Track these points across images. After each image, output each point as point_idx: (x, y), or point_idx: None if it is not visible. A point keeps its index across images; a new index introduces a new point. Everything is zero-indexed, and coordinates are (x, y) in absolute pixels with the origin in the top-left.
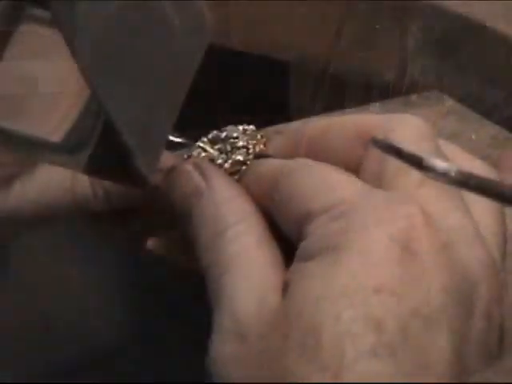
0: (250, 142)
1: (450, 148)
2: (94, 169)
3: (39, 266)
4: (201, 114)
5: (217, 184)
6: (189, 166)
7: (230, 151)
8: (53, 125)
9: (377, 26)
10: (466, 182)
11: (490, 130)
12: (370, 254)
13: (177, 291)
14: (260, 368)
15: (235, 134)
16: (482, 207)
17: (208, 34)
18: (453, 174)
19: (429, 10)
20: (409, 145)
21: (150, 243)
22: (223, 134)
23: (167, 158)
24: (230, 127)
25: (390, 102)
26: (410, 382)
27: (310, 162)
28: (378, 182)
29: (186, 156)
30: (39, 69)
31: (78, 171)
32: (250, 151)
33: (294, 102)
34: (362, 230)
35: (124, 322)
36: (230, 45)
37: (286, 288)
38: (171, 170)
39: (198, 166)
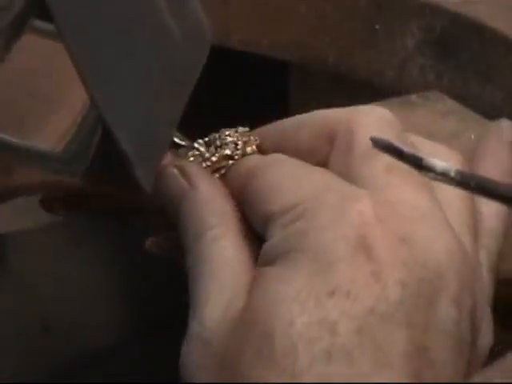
0: (239, 138)
1: (412, 137)
2: (91, 178)
3: (39, 266)
4: (200, 114)
5: (199, 185)
6: (173, 169)
7: (220, 146)
8: (52, 135)
9: (377, 26)
10: (466, 182)
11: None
12: (323, 256)
13: (176, 291)
14: (222, 373)
15: (227, 133)
16: (451, 190)
17: (208, 44)
18: (452, 173)
19: (429, 10)
20: (372, 134)
21: (150, 243)
22: (217, 135)
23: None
24: (224, 129)
25: (389, 101)
26: (367, 382)
27: (282, 157)
28: (345, 174)
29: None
30: (39, 80)
31: (76, 180)
32: (239, 146)
33: (293, 102)
34: (316, 231)
35: (124, 322)
36: (230, 45)
37: None
38: (159, 174)
39: (181, 169)
